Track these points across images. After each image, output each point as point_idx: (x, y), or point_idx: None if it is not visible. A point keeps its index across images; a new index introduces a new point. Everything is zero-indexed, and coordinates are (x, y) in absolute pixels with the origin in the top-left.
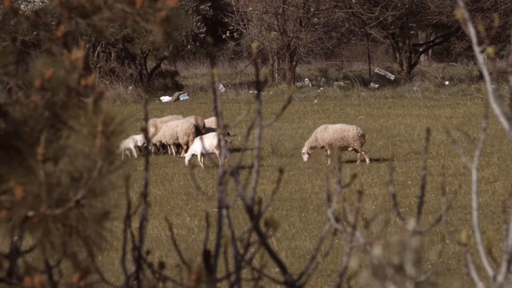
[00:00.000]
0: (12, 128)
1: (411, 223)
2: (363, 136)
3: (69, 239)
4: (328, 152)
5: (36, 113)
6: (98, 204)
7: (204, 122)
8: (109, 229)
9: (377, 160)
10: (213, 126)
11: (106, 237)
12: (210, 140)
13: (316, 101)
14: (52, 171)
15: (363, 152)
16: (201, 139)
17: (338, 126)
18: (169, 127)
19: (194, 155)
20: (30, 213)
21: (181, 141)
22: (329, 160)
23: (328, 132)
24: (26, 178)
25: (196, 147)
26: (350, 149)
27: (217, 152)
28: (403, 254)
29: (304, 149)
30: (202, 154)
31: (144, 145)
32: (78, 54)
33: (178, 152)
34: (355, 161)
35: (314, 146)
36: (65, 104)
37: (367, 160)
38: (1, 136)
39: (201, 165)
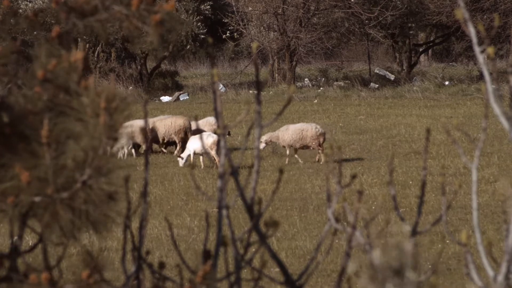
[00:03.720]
0: (15, 117)
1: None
2: (322, 135)
3: (78, 222)
4: (288, 152)
5: (38, 101)
6: (104, 185)
7: (190, 123)
8: (116, 210)
9: (377, 160)
10: (207, 127)
11: (114, 218)
12: (203, 140)
13: (316, 101)
14: (57, 154)
15: (320, 151)
16: (195, 138)
17: (298, 125)
18: (126, 127)
19: (190, 155)
20: (37, 199)
21: (137, 140)
22: (287, 160)
23: (289, 132)
24: (31, 162)
25: (191, 146)
26: (311, 148)
27: (212, 152)
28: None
29: (263, 138)
30: (194, 153)
31: (130, 147)
32: (77, 55)
33: (176, 152)
34: (354, 160)
35: (274, 141)
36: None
37: (322, 160)
38: (4, 126)
39: (201, 164)
